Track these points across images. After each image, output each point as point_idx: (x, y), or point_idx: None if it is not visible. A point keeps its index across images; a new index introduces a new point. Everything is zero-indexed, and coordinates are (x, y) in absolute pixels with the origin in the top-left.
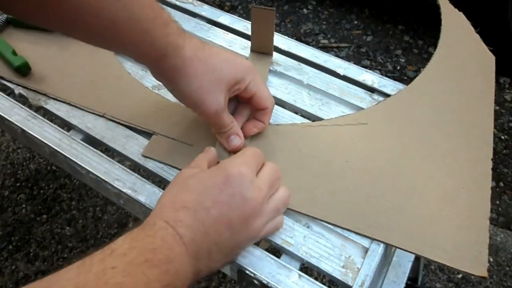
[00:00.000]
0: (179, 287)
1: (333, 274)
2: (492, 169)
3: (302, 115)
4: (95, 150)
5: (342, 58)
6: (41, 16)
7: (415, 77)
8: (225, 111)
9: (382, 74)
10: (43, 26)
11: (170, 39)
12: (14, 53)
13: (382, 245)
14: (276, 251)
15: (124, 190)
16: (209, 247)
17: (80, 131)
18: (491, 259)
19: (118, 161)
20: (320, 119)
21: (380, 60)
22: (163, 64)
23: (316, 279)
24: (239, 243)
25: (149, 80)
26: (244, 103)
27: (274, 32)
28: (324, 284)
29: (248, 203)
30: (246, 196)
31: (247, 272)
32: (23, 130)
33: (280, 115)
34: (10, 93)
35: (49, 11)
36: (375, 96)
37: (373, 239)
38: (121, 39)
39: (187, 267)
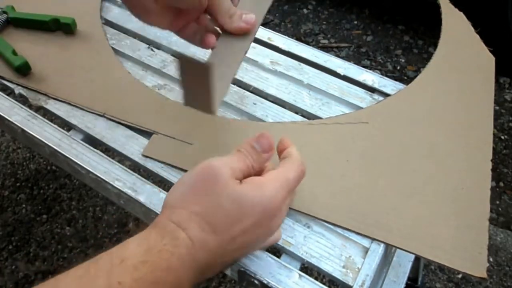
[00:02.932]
0: None
1: (334, 274)
2: (492, 169)
3: (302, 115)
4: (95, 150)
5: (342, 58)
6: None
7: (415, 77)
8: None
9: (382, 74)
10: None
11: None
12: (14, 53)
13: (382, 245)
14: (276, 251)
15: (124, 190)
16: (218, 265)
17: (80, 131)
18: (491, 259)
19: (118, 161)
20: (320, 119)
21: (380, 60)
22: None
23: (316, 279)
24: (241, 257)
25: (149, 80)
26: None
27: (274, 32)
28: (324, 284)
29: (268, 233)
30: (271, 229)
31: (247, 272)
32: (23, 130)
33: (280, 115)
34: (10, 93)
35: None
36: (375, 96)
37: (373, 239)
38: None
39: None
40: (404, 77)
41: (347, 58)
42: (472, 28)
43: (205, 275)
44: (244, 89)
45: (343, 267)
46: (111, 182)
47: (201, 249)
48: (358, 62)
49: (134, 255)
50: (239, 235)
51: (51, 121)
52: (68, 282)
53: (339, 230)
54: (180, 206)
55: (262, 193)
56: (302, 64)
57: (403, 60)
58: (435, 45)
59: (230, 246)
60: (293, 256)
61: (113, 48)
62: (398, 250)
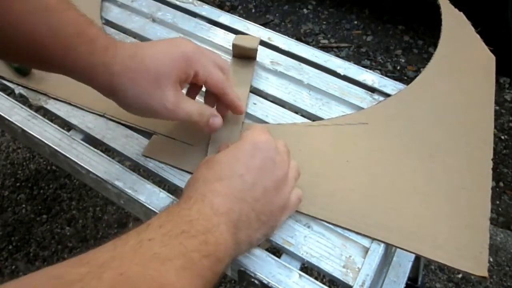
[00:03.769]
0: (222, 258)
1: (334, 274)
2: (492, 169)
3: (302, 115)
4: (95, 150)
5: (342, 58)
6: None
7: (415, 77)
8: (181, 104)
9: (382, 74)
10: None
11: (96, 57)
12: None
13: (382, 245)
14: (277, 251)
15: (124, 190)
16: (247, 214)
17: (80, 131)
18: (491, 259)
19: (118, 161)
20: (320, 119)
21: (380, 60)
22: (96, 82)
23: (316, 279)
24: (274, 210)
25: None
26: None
27: (274, 32)
28: (324, 284)
29: (278, 167)
30: (276, 160)
31: (248, 272)
32: (23, 130)
33: (280, 115)
34: (10, 93)
35: None
36: (376, 96)
37: (373, 239)
38: (45, 55)
39: (226, 237)
40: (404, 77)
41: (347, 58)
42: (472, 28)
43: (242, 228)
44: None
45: (343, 267)
46: (111, 182)
47: (215, 197)
48: (358, 62)
49: (158, 219)
50: (245, 172)
51: (51, 121)
52: (104, 246)
53: (339, 230)
54: (185, 187)
55: (242, 138)
56: (302, 64)
57: (403, 60)
58: (435, 45)
59: (244, 186)
60: (293, 256)
61: None
62: (398, 250)
